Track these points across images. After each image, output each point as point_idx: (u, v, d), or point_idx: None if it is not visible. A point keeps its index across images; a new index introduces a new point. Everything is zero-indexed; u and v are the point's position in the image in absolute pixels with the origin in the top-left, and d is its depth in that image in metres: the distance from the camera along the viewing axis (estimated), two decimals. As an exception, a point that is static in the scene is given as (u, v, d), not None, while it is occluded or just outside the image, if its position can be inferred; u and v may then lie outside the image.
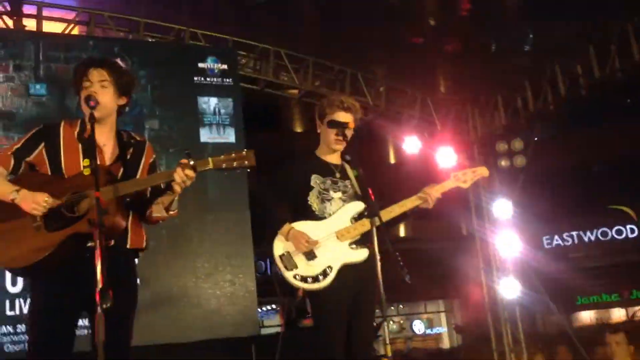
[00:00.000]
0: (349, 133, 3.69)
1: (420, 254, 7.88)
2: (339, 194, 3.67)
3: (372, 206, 3.53)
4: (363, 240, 3.57)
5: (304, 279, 3.50)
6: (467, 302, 9.22)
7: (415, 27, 7.68)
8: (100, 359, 2.44)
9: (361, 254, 3.54)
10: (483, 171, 3.80)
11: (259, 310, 6.60)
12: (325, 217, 3.61)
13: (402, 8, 7.49)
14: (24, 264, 2.79)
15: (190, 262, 5.96)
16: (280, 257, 3.56)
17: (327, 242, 3.55)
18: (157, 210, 3.00)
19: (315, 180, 3.67)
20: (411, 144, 7.64)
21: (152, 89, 6.17)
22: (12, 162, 2.91)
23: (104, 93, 2.92)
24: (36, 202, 2.75)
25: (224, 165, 2.87)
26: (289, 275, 3.51)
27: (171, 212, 3.01)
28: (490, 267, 7.81)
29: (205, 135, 6.32)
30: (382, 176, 7.91)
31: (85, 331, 3.00)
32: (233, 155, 2.88)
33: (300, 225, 3.60)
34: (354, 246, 3.57)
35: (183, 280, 5.89)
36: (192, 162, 2.82)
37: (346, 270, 3.52)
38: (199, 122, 6.31)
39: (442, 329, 15.67)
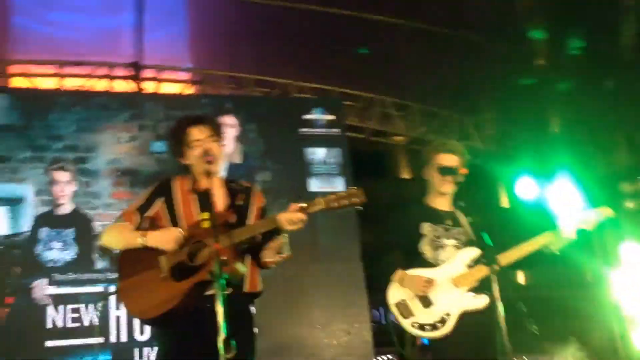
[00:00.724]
0: (457, 176, 3.65)
1: (542, 303, 7.49)
2: (453, 241, 3.59)
3: (489, 251, 3.42)
4: (481, 288, 3.44)
5: (421, 327, 3.42)
6: (598, 356, 8.60)
7: (525, 68, 7.51)
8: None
9: (481, 301, 3.43)
10: (607, 212, 3.59)
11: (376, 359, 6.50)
12: (438, 265, 3.54)
13: (509, 49, 7.37)
14: (154, 314, 2.92)
15: (305, 312, 5.99)
16: (396, 305, 3.51)
17: (443, 288, 3.46)
18: (269, 255, 3.07)
19: (426, 228, 3.63)
20: (525, 187, 7.38)
21: (262, 142, 6.37)
22: (137, 218, 3.08)
23: (215, 147, 3.08)
24: (170, 236, 2.89)
25: (334, 204, 2.90)
26: (406, 323, 3.46)
27: (284, 254, 3.06)
28: (621, 317, 7.30)
29: (314, 185, 6.42)
30: (496, 221, 7.65)
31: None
32: (342, 193, 2.90)
33: (414, 273, 3.54)
34: (472, 293, 3.46)
35: (299, 330, 5.91)
36: (303, 204, 2.87)
37: (466, 318, 3.41)
38: (307, 173, 6.42)
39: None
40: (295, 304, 5.98)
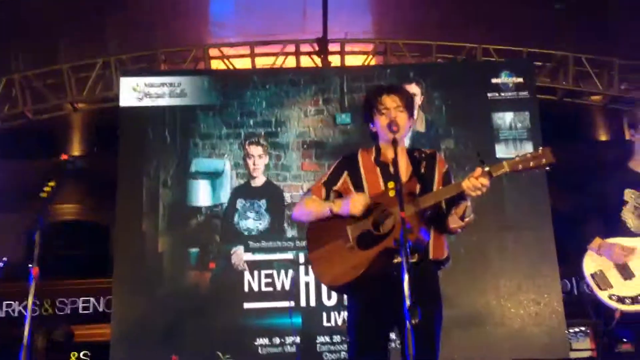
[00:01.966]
0: None
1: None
2: None
3: None
4: None
5: (620, 300, 3.27)
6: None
7: None
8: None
9: None
10: None
11: (567, 332, 6.19)
12: None
13: None
14: (343, 281, 3.05)
15: (492, 281, 5.86)
16: (592, 275, 3.37)
17: None
18: (453, 221, 3.05)
19: (630, 194, 3.41)
20: None
21: (446, 109, 6.26)
22: (324, 192, 3.22)
23: (401, 117, 3.10)
24: (354, 202, 2.99)
25: (520, 167, 2.79)
26: (603, 295, 3.32)
27: (467, 220, 3.02)
28: None
29: (501, 151, 6.19)
30: None
31: (394, 344, 3.14)
32: (528, 155, 2.79)
33: (613, 241, 3.35)
34: None
35: (485, 299, 5.81)
36: (487, 168, 2.79)
37: None
38: (494, 139, 6.22)
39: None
40: (480, 273, 5.88)
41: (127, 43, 8.30)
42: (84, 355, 7.32)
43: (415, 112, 6.21)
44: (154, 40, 8.26)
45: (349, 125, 6.16)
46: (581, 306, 3.50)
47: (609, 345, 3.86)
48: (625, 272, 3.29)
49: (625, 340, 3.69)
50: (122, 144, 6.13)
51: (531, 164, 2.78)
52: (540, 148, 2.79)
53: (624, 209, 3.41)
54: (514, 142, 6.22)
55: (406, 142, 3.27)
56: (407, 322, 2.54)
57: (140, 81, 6.20)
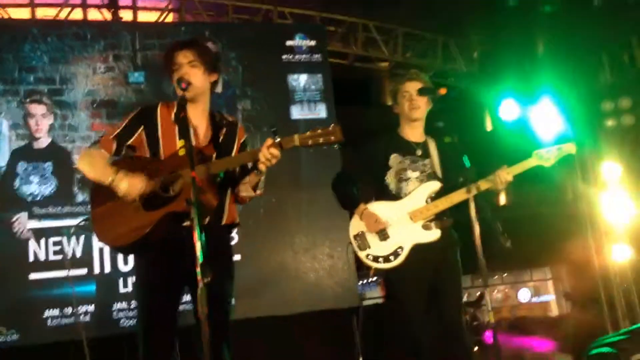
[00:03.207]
0: (421, 101, 3.67)
1: (524, 221, 7.60)
2: (417, 174, 3.66)
3: (469, 172, 3.47)
4: (437, 220, 3.59)
5: (375, 259, 3.57)
6: (575, 269, 8.83)
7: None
8: (204, 330, 2.53)
9: (433, 234, 3.57)
10: (570, 148, 3.64)
11: (360, 282, 6.65)
12: (401, 198, 3.64)
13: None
14: (125, 242, 2.93)
15: (289, 238, 6.08)
16: (355, 237, 3.64)
17: (400, 222, 3.59)
18: (245, 190, 3.08)
19: (394, 159, 3.68)
20: (508, 110, 7.34)
21: (242, 70, 6.27)
22: (115, 146, 3.04)
23: (194, 73, 3.01)
24: (131, 185, 2.85)
25: (310, 142, 2.86)
26: (362, 254, 3.61)
27: (258, 192, 3.08)
28: (599, 232, 7.44)
29: (297, 113, 6.37)
30: (480, 145, 7.67)
31: (188, 306, 3.11)
32: (319, 131, 2.87)
33: (375, 206, 3.67)
34: (426, 226, 3.58)
35: (282, 255, 6.01)
36: (277, 140, 2.84)
37: (419, 250, 3.55)
38: (289, 100, 6.36)
39: (550, 297, 15.17)
40: (278, 231, 6.06)
41: None
42: None
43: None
44: None
45: (142, 85, 5.91)
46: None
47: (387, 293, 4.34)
48: (382, 234, 3.59)
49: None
50: None
51: (321, 140, 2.85)
52: (332, 125, 2.86)
53: (388, 173, 3.68)
54: (308, 104, 6.42)
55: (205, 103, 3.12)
56: (200, 281, 2.53)
57: None
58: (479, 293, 8.17)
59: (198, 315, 2.55)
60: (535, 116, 7.21)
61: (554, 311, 14.40)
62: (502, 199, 8.52)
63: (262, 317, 5.59)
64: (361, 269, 6.36)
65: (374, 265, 3.58)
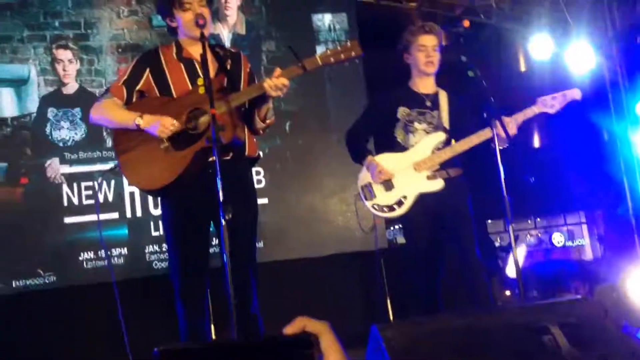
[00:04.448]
0: (437, 57, 3.78)
1: (557, 163, 7.48)
2: (424, 126, 3.77)
3: (493, 109, 3.47)
4: (442, 170, 3.71)
5: (380, 208, 3.73)
6: (609, 213, 8.70)
7: None
8: (229, 266, 2.57)
9: (436, 184, 3.69)
10: (575, 94, 3.61)
11: (392, 228, 6.72)
12: (408, 149, 3.76)
13: None
14: (161, 184, 2.97)
15: (317, 181, 6.07)
16: (362, 187, 3.80)
17: (405, 173, 3.71)
18: (258, 122, 3.09)
19: (402, 112, 3.78)
20: (541, 48, 7.11)
21: (266, 11, 6.17)
22: (125, 93, 3.05)
23: (205, 11, 3.00)
24: (163, 125, 2.87)
25: (332, 60, 2.91)
26: (368, 204, 3.79)
27: (268, 121, 3.09)
28: (634, 173, 7.27)
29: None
30: (513, 85, 7.50)
31: (215, 249, 3.15)
32: (339, 48, 2.96)
33: (382, 157, 3.82)
34: (430, 176, 3.70)
35: (311, 198, 6.02)
36: (300, 63, 2.85)
37: (424, 199, 3.68)
38: (314, 40, 6.27)
39: (583, 241, 15.06)
40: (306, 174, 6.06)
41: None
42: None
43: (236, 14, 6.06)
44: None
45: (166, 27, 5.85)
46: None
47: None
48: (387, 185, 3.72)
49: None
50: None
51: (342, 56, 2.93)
52: (349, 40, 2.92)
53: (396, 125, 3.80)
54: (333, 44, 6.31)
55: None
56: (222, 217, 2.56)
57: None
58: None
59: (222, 252, 2.59)
60: (570, 54, 6.97)
61: (588, 255, 14.31)
62: (536, 141, 8.38)
63: (292, 259, 5.65)
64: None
65: (380, 214, 3.74)
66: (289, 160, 5.96)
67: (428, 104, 3.80)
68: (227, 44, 5.81)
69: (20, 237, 5.26)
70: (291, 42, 6.12)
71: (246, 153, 3.13)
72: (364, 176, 3.81)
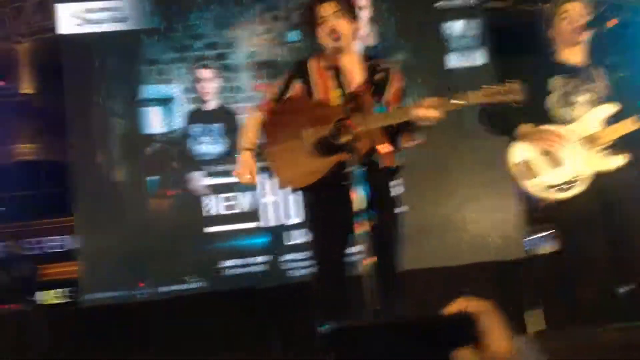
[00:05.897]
0: (583, 22, 3.20)
1: None
2: (587, 96, 3.23)
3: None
4: (619, 146, 3.15)
5: (546, 188, 3.20)
6: None
7: None
8: (370, 276, 2.59)
9: (616, 161, 3.14)
10: None
11: (529, 238, 6.45)
12: (568, 124, 3.22)
13: None
14: (301, 184, 3.04)
15: (452, 189, 5.97)
16: (518, 164, 3.24)
17: (574, 148, 3.17)
18: (403, 141, 3.06)
19: (556, 82, 3.25)
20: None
21: (395, 21, 6.18)
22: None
23: (341, 24, 3.02)
24: (238, 173, 3.04)
25: (485, 101, 2.76)
26: (528, 184, 3.22)
27: (416, 142, 3.04)
28: None
29: (453, 61, 6.18)
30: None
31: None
32: (494, 88, 2.72)
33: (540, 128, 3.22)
34: (606, 152, 3.16)
35: (446, 207, 5.93)
36: (451, 100, 2.76)
37: (597, 179, 3.14)
38: (444, 49, 6.19)
39: None
40: (441, 182, 5.97)
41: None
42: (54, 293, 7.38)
43: (367, 25, 6.12)
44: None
45: (299, 42, 6.04)
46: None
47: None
48: (553, 161, 3.19)
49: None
50: (66, 74, 5.92)
51: (497, 99, 2.71)
52: (507, 83, 2.70)
53: (549, 97, 3.25)
54: (465, 51, 6.20)
55: (358, 48, 3.17)
56: (363, 227, 2.58)
57: (79, 7, 5.94)
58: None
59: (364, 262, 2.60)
60: None
61: None
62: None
63: (429, 268, 5.58)
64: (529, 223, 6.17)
65: (544, 195, 3.18)
66: (426, 168, 5.90)
67: (583, 75, 3.26)
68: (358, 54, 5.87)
69: (167, 246, 5.64)
70: (421, 51, 6.13)
71: (382, 164, 3.13)
72: (520, 151, 3.22)
